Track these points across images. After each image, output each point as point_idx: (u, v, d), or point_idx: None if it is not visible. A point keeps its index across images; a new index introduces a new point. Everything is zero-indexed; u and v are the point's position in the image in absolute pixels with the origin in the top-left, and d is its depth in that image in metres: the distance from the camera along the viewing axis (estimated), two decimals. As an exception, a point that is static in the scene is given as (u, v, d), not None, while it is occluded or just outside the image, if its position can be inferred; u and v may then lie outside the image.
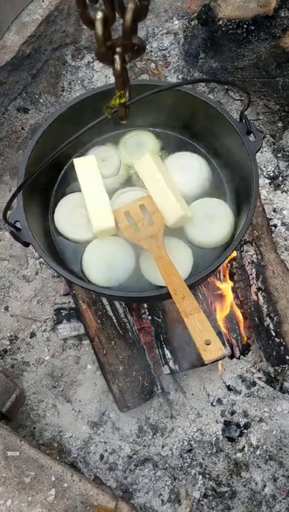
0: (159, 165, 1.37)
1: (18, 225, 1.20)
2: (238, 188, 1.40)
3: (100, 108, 0.87)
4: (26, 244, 1.21)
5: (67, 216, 1.38)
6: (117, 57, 0.71)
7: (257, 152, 1.27)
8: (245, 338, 1.73)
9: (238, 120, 1.29)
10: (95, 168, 1.37)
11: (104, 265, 1.31)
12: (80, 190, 1.37)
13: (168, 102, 1.34)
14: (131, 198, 1.36)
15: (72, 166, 1.41)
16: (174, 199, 1.29)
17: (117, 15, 0.68)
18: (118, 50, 0.70)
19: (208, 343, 1.04)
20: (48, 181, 1.43)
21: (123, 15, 0.66)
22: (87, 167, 1.38)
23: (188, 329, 1.08)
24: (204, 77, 2.04)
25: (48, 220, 1.41)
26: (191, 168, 1.42)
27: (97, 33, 0.66)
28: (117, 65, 0.71)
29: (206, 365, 1.64)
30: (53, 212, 1.40)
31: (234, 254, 1.74)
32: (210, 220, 1.34)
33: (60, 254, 1.37)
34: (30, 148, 1.30)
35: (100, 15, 0.65)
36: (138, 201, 1.34)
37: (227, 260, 1.40)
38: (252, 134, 1.28)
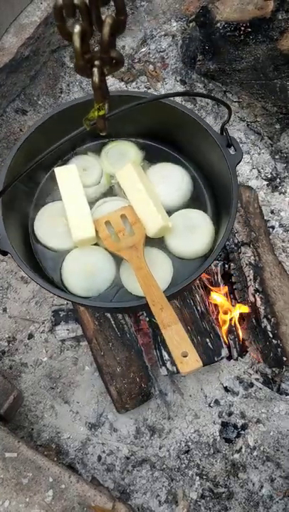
0: (140, 175, 1.37)
1: None
2: (218, 199, 1.41)
3: (84, 117, 0.87)
4: (4, 253, 1.21)
5: (47, 225, 1.37)
6: (95, 70, 0.71)
7: (237, 165, 1.28)
8: (243, 340, 1.73)
9: (219, 133, 1.30)
10: (76, 177, 1.37)
11: (83, 275, 1.30)
12: (60, 199, 1.37)
13: (150, 113, 1.33)
14: (112, 208, 1.35)
15: (53, 174, 1.41)
16: (155, 209, 1.29)
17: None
18: (96, 63, 0.70)
19: (184, 355, 1.04)
20: (28, 190, 1.42)
21: (100, 29, 0.66)
22: (68, 176, 1.37)
23: (165, 341, 1.08)
24: (202, 79, 2.05)
25: (28, 228, 1.40)
26: (172, 179, 1.42)
27: (75, 47, 0.66)
28: (96, 78, 0.71)
29: (205, 365, 1.64)
30: (33, 220, 1.40)
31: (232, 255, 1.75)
32: (190, 231, 1.35)
33: (39, 263, 1.36)
34: (11, 156, 1.29)
35: (77, 28, 0.65)
36: (119, 211, 1.34)
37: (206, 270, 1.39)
38: (232, 147, 1.29)
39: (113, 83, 2.11)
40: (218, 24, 1.81)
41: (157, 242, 1.35)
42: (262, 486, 1.58)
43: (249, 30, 1.78)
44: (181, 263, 1.33)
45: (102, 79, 0.72)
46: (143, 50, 2.17)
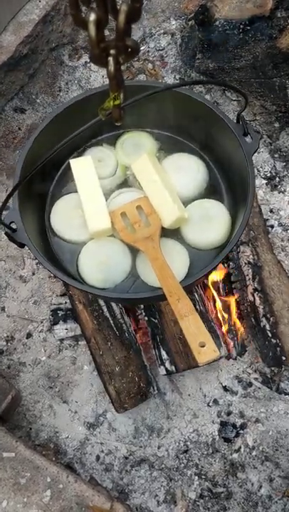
0: (156, 166, 1.37)
1: (13, 225, 1.19)
2: (234, 189, 1.40)
3: (98, 109, 0.86)
4: (21, 246, 1.21)
5: (63, 217, 1.37)
6: (110, 59, 0.70)
7: (254, 153, 1.27)
8: (242, 339, 1.73)
9: (235, 122, 1.29)
10: (91, 168, 1.37)
11: (100, 266, 1.30)
12: (76, 191, 1.37)
13: (165, 103, 1.33)
14: (127, 199, 1.35)
15: (68, 166, 1.41)
16: (170, 200, 1.29)
17: (110, 17, 0.68)
18: (112, 51, 0.70)
19: (202, 345, 1.04)
20: (44, 182, 1.42)
21: (116, 17, 0.65)
22: (83, 168, 1.37)
23: (182, 331, 1.08)
24: (202, 77, 2.04)
25: (44, 221, 1.40)
26: (188, 170, 1.41)
27: (90, 35, 0.66)
28: (111, 67, 0.71)
29: (203, 365, 1.64)
30: (49, 212, 1.40)
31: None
32: (206, 222, 1.34)
33: (56, 255, 1.36)
34: (26, 148, 1.29)
35: (92, 17, 0.65)
36: (135, 202, 1.33)
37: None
38: (249, 136, 1.28)
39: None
40: (217, 22, 1.80)
41: (173, 232, 1.34)
42: (261, 486, 1.58)
43: (248, 28, 1.77)
44: (197, 253, 1.33)
45: (117, 68, 0.71)
46: (142, 48, 2.16)
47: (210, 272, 1.24)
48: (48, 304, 1.82)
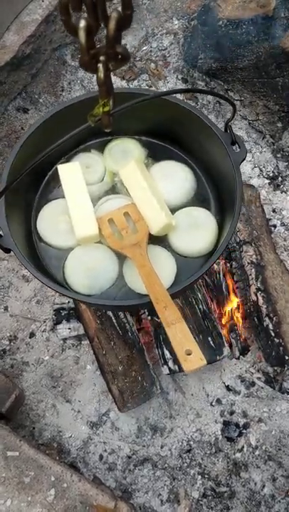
0: (144, 173, 1.37)
1: None
2: (222, 197, 1.40)
3: (86, 115, 0.86)
4: (7, 251, 1.20)
5: (50, 222, 1.37)
6: (100, 65, 0.70)
7: (241, 162, 1.28)
8: (245, 339, 1.73)
9: (223, 130, 1.29)
10: (79, 174, 1.36)
11: (86, 272, 1.30)
12: (63, 197, 1.36)
13: (154, 111, 1.33)
14: (115, 206, 1.35)
15: (56, 172, 1.40)
16: (158, 207, 1.29)
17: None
18: (102, 58, 0.70)
19: (188, 353, 1.04)
20: (31, 187, 1.42)
21: (106, 24, 0.66)
22: (71, 173, 1.37)
23: (169, 339, 1.07)
24: (204, 77, 2.05)
25: (31, 226, 1.40)
26: (176, 177, 1.41)
27: (80, 42, 0.66)
28: (101, 74, 0.71)
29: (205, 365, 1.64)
30: (36, 218, 1.39)
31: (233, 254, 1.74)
32: (194, 229, 1.34)
33: (42, 261, 1.36)
34: (13, 153, 1.29)
35: (82, 23, 0.65)
36: (122, 209, 1.33)
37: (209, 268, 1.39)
38: (236, 145, 1.28)
39: (114, 81, 2.10)
40: (220, 22, 1.81)
41: (160, 240, 1.34)
42: (264, 486, 1.58)
43: (251, 28, 1.77)
44: (184, 261, 1.33)
45: (107, 75, 0.71)
46: (145, 48, 2.17)
47: (197, 280, 1.24)
48: (50, 303, 1.82)
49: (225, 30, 1.81)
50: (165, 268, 1.29)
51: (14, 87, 1.93)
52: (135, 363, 1.62)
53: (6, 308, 1.82)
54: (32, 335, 1.78)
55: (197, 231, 1.34)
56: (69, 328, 1.75)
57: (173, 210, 1.37)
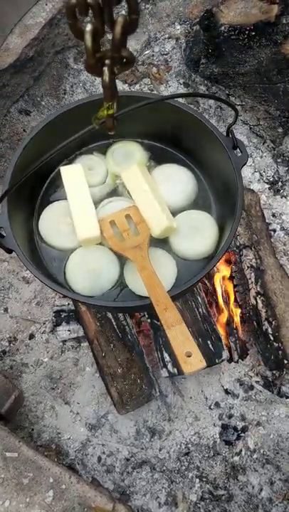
0: (146, 176, 1.37)
1: (1, 231, 1.20)
2: (223, 201, 1.41)
3: (89, 118, 0.87)
4: (9, 251, 1.21)
5: (52, 224, 1.37)
6: (105, 69, 0.71)
7: (242, 167, 1.28)
8: (244, 342, 1.73)
9: (225, 135, 1.30)
10: (81, 176, 1.37)
11: (87, 274, 1.31)
12: (65, 198, 1.37)
13: (156, 114, 1.34)
14: (117, 208, 1.36)
15: (58, 174, 1.41)
16: (160, 210, 1.30)
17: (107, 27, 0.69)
18: (107, 62, 0.71)
19: (188, 355, 1.04)
20: (33, 188, 1.43)
21: (112, 28, 0.66)
22: (73, 175, 1.38)
23: (169, 341, 1.08)
24: (206, 82, 2.06)
25: (33, 227, 1.40)
26: (177, 180, 1.42)
27: (86, 45, 0.67)
28: (106, 77, 0.72)
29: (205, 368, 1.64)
30: (38, 219, 1.40)
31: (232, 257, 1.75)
32: (195, 232, 1.35)
33: (44, 262, 1.36)
34: (17, 154, 1.29)
35: (89, 27, 0.66)
36: (124, 211, 1.34)
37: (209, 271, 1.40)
38: (238, 149, 1.29)
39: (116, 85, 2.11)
40: (223, 27, 1.82)
41: (161, 242, 1.35)
42: (261, 489, 1.58)
43: (253, 33, 1.78)
44: (184, 264, 1.34)
45: (112, 78, 0.72)
46: (147, 52, 2.18)
47: (197, 283, 1.25)
48: (50, 305, 1.82)
49: (227, 35, 1.82)
50: (166, 270, 1.30)
51: (17, 90, 1.94)
52: (134, 366, 1.62)
53: (5, 310, 1.82)
54: (32, 336, 1.78)
55: (198, 234, 1.35)
56: (68, 330, 1.75)
57: (174, 213, 1.38)
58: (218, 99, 1.12)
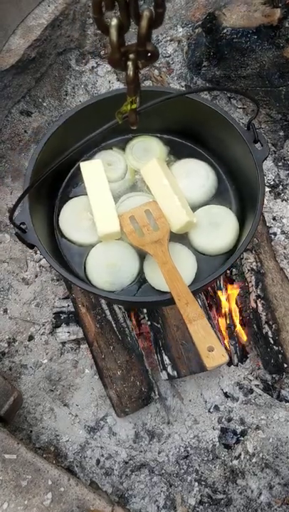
0: (165, 171, 1.37)
1: (23, 226, 1.20)
2: (243, 195, 1.41)
3: (108, 113, 0.87)
4: (31, 247, 1.22)
5: (72, 219, 1.38)
6: (130, 63, 0.71)
7: (264, 161, 1.28)
8: (244, 346, 1.73)
9: (246, 128, 1.30)
10: (101, 172, 1.38)
11: (108, 269, 1.31)
12: (85, 194, 1.38)
13: (176, 109, 1.34)
14: (136, 203, 1.36)
15: (78, 169, 1.42)
16: (179, 205, 1.30)
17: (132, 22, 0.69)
18: (131, 56, 0.71)
19: (210, 350, 1.04)
20: (53, 184, 1.43)
21: (138, 22, 0.66)
22: (93, 171, 1.38)
23: (191, 335, 1.08)
24: (208, 85, 2.06)
25: (53, 223, 1.41)
26: (197, 175, 1.42)
27: (111, 40, 0.67)
28: (130, 72, 0.72)
29: (205, 371, 1.64)
30: (58, 214, 1.41)
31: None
32: (215, 227, 1.35)
33: (64, 257, 1.37)
34: (37, 150, 1.30)
35: (114, 22, 0.66)
36: (143, 206, 1.34)
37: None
38: (259, 143, 1.29)
39: (118, 87, 2.11)
40: (225, 31, 1.82)
41: (181, 237, 1.35)
42: (260, 493, 1.58)
43: (255, 37, 1.78)
44: (204, 259, 1.33)
45: (136, 72, 0.72)
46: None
47: (218, 278, 1.25)
48: (50, 306, 1.82)
49: (229, 38, 1.83)
50: (186, 265, 1.29)
51: (18, 91, 1.94)
52: (134, 368, 1.62)
53: (5, 311, 1.81)
54: (31, 338, 1.78)
55: (218, 229, 1.34)
56: (68, 332, 1.75)
57: (194, 208, 1.37)
58: (240, 93, 1.12)
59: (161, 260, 1.23)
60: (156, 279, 1.28)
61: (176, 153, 1.48)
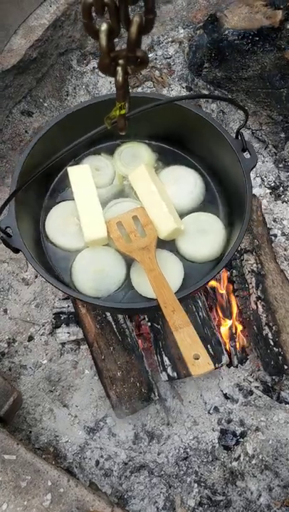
0: (153, 177, 1.37)
1: (8, 231, 1.20)
2: (231, 203, 1.41)
3: (97, 118, 0.86)
4: (16, 251, 1.21)
5: (58, 224, 1.37)
6: (119, 68, 0.71)
7: (252, 169, 1.28)
8: (244, 347, 1.73)
9: (234, 137, 1.30)
10: (89, 177, 1.37)
11: (94, 275, 1.30)
12: (72, 199, 1.37)
13: (165, 116, 1.34)
14: (124, 209, 1.36)
15: (65, 174, 1.41)
16: (167, 212, 1.29)
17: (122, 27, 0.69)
18: (121, 62, 0.70)
19: (196, 358, 1.04)
20: (41, 188, 1.43)
21: (128, 28, 0.66)
22: (81, 176, 1.38)
23: (177, 343, 1.07)
24: (208, 86, 2.06)
25: (39, 227, 1.40)
26: (185, 182, 1.42)
27: (101, 44, 0.67)
28: (119, 77, 0.72)
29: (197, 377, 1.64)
30: (45, 219, 1.40)
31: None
32: (202, 234, 1.35)
33: (50, 262, 1.36)
34: (24, 154, 1.29)
35: (104, 26, 0.66)
36: (131, 212, 1.34)
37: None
38: (247, 151, 1.29)
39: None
40: (226, 32, 1.82)
41: (168, 244, 1.35)
42: (260, 495, 1.58)
43: (257, 38, 1.79)
44: (191, 266, 1.33)
45: (125, 78, 0.72)
46: (150, 55, 2.18)
47: (204, 285, 1.24)
48: (50, 307, 1.81)
49: (230, 40, 1.83)
50: (173, 272, 1.29)
51: (19, 91, 1.94)
52: (134, 369, 1.61)
53: (5, 311, 1.81)
54: (31, 338, 1.78)
55: (205, 236, 1.34)
56: (68, 333, 1.74)
57: (181, 215, 1.37)
58: (229, 101, 1.12)
59: (148, 267, 1.22)
60: (143, 285, 1.27)
61: (165, 159, 1.48)
